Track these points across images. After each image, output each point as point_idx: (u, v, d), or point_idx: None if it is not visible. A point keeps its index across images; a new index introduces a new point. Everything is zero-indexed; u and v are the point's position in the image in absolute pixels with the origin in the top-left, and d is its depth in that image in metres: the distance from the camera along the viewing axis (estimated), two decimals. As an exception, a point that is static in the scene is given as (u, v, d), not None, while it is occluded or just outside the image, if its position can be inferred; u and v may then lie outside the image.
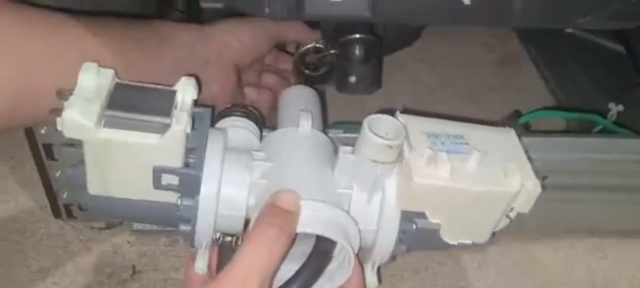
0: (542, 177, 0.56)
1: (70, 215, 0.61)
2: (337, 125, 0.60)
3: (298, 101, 0.48)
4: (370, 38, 0.63)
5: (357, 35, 0.62)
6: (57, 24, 0.44)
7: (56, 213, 0.62)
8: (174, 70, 0.49)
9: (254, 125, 0.46)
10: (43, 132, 0.55)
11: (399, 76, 0.83)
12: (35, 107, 0.42)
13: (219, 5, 0.60)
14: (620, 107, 0.64)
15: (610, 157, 0.58)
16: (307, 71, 0.66)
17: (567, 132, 0.61)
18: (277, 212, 0.36)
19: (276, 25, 0.59)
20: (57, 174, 0.58)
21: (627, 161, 0.59)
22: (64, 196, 0.60)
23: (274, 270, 0.35)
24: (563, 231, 0.66)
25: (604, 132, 0.61)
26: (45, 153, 0.57)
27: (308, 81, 0.65)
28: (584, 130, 0.64)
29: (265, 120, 0.49)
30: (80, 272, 0.59)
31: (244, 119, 0.46)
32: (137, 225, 0.59)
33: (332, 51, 0.64)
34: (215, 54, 0.54)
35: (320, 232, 0.37)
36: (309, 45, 0.65)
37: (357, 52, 0.63)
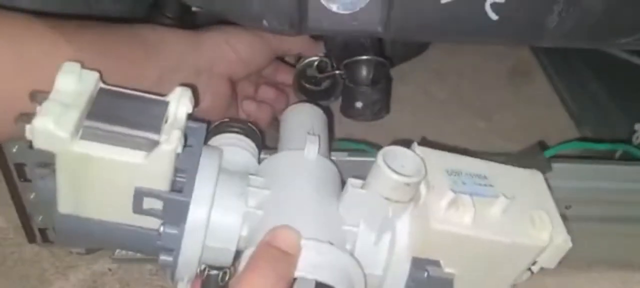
0: (565, 206, 0.52)
1: (45, 239, 0.56)
2: (341, 144, 0.55)
3: (304, 122, 0.43)
4: (379, 60, 0.58)
5: (365, 57, 0.57)
6: (25, 30, 0.39)
7: (30, 238, 0.56)
8: (158, 82, 0.44)
9: (253, 145, 0.42)
10: (15, 150, 0.50)
11: (406, 88, 0.78)
12: (4, 120, 0.36)
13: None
14: None
15: (637, 186, 0.53)
16: (308, 85, 0.61)
17: (588, 157, 0.56)
18: (274, 254, 0.31)
19: (277, 36, 0.53)
20: (31, 196, 0.53)
21: None
22: (39, 219, 0.55)
23: None
24: (585, 264, 0.61)
25: (626, 156, 0.56)
26: (18, 174, 0.51)
27: (309, 96, 0.60)
28: (607, 155, 0.59)
29: (264, 140, 0.44)
30: None
31: (242, 137, 0.41)
32: (119, 252, 0.54)
33: (337, 71, 0.60)
34: (208, 64, 0.49)
35: (324, 280, 0.32)
36: (312, 58, 0.60)
37: (364, 75, 0.58)
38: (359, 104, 0.58)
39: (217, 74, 0.51)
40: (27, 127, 0.30)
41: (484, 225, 0.34)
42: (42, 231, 0.55)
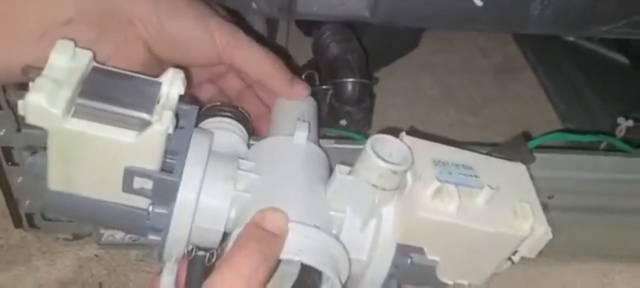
0: (547, 196, 0.53)
1: (32, 224, 0.56)
2: (330, 131, 0.56)
3: (294, 109, 0.44)
4: (364, 82, 0.61)
5: (351, 79, 0.61)
6: None
7: (17, 223, 0.56)
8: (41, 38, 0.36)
9: (243, 129, 0.42)
10: (2, 133, 0.50)
11: (396, 84, 0.80)
12: None
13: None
14: (630, 122, 0.61)
15: (620, 176, 0.54)
16: None
17: (572, 148, 0.57)
18: (261, 235, 0.32)
19: (229, 42, 0.42)
20: (18, 180, 0.53)
21: (638, 181, 0.55)
22: (26, 204, 0.55)
23: None
24: (568, 254, 0.62)
25: (612, 147, 0.57)
26: (5, 158, 0.51)
27: None
28: (591, 146, 0.60)
29: (254, 127, 0.44)
30: None
31: (233, 121, 0.42)
32: (106, 237, 0.54)
33: (324, 87, 0.62)
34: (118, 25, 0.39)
35: (309, 262, 0.33)
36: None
37: (349, 95, 0.61)
38: (343, 122, 0.62)
39: (132, 38, 0.40)
40: (20, 102, 0.30)
41: (468, 214, 0.35)
42: (29, 216, 0.55)
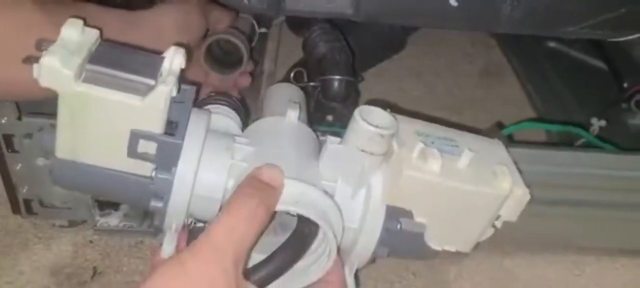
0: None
1: (30, 211, 0.57)
2: (317, 127, 0.59)
3: (285, 94, 0.47)
4: (349, 79, 0.63)
5: (338, 77, 0.63)
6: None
7: (15, 209, 0.58)
8: None
9: (237, 116, 0.44)
10: (3, 121, 0.52)
11: (382, 85, 0.83)
12: None
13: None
14: (603, 122, 0.64)
15: (592, 171, 0.57)
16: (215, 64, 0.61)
17: (547, 143, 0.60)
18: (257, 184, 0.34)
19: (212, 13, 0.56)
20: (18, 167, 0.54)
21: (609, 177, 0.58)
22: (24, 191, 0.56)
23: (250, 244, 0.32)
24: (541, 246, 0.65)
25: (586, 145, 0.60)
26: (5, 145, 0.53)
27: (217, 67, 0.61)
28: (565, 143, 0.63)
29: (249, 116, 0.47)
30: (37, 271, 0.55)
31: (227, 108, 0.44)
32: (101, 224, 0.56)
33: (312, 84, 0.65)
34: (147, 42, 0.48)
35: (305, 214, 0.35)
36: (220, 36, 0.60)
37: (336, 92, 0.63)
38: (330, 118, 0.64)
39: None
40: (35, 65, 0.33)
41: (451, 174, 0.38)
42: (27, 202, 0.56)
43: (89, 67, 0.34)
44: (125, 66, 0.35)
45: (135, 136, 0.35)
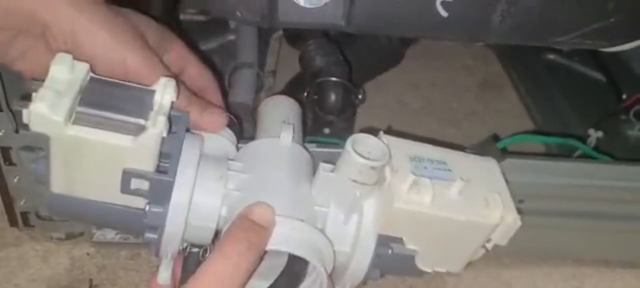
0: (518, 200, 0.56)
1: (27, 223, 0.58)
2: (313, 139, 0.59)
3: (279, 112, 0.46)
4: (347, 86, 0.63)
5: (334, 88, 0.63)
6: None
7: (12, 222, 0.58)
8: None
9: (231, 133, 0.44)
10: (1, 134, 0.51)
11: (381, 97, 0.83)
12: None
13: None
14: (600, 134, 0.64)
15: (590, 182, 0.57)
16: None
17: (545, 154, 0.60)
18: (248, 225, 0.35)
19: (144, 66, 0.39)
20: (15, 180, 0.55)
21: (607, 188, 0.58)
22: (22, 203, 0.57)
23: (239, 286, 0.33)
24: (539, 258, 0.65)
25: (584, 157, 0.60)
26: (3, 157, 0.53)
27: None
28: (564, 155, 0.63)
29: (243, 130, 0.47)
30: (33, 284, 0.56)
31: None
32: (98, 236, 0.56)
33: (310, 97, 0.64)
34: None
35: (296, 252, 0.35)
36: None
37: (332, 104, 0.64)
38: (326, 130, 0.65)
39: (42, 48, 0.40)
40: (25, 111, 0.33)
41: (442, 204, 0.38)
42: (24, 215, 0.57)
43: (80, 109, 0.34)
44: (116, 104, 0.35)
45: (128, 175, 0.35)
